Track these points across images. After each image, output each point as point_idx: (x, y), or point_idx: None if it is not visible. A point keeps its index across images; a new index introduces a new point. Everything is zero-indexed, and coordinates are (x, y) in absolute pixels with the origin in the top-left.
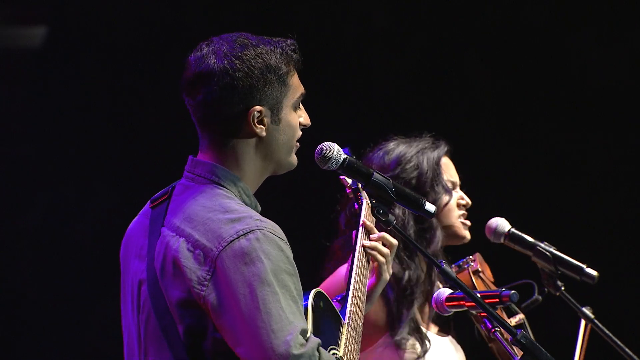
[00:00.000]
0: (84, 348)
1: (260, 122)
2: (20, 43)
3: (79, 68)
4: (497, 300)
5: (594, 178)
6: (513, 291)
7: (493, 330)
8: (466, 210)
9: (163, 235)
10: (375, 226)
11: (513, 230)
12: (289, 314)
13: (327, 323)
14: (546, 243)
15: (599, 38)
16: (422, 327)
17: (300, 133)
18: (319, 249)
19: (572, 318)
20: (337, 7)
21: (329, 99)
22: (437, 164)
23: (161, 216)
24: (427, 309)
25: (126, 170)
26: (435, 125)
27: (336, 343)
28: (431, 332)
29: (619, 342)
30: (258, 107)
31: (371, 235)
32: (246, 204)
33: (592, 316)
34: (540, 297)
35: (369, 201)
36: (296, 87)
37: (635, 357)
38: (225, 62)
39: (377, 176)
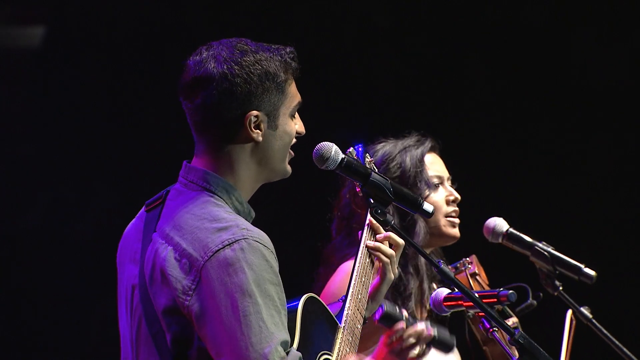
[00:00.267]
0: (84, 348)
1: (257, 127)
2: (20, 43)
3: (78, 68)
4: (495, 300)
5: (593, 178)
6: (511, 291)
7: (491, 330)
8: (457, 206)
9: (154, 241)
10: None
11: (511, 230)
12: (270, 324)
13: (319, 328)
14: (544, 243)
15: (599, 38)
16: None
17: (295, 141)
18: (316, 253)
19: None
20: (337, 7)
21: (328, 99)
22: (421, 160)
23: (154, 221)
24: (421, 310)
25: (126, 170)
26: (435, 125)
27: (329, 348)
28: None
29: (617, 342)
30: (255, 112)
31: (377, 235)
32: (238, 211)
33: (590, 316)
34: (534, 302)
35: None
36: (293, 95)
37: (633, 357)
38: (225, 67)
39: (375, 176)
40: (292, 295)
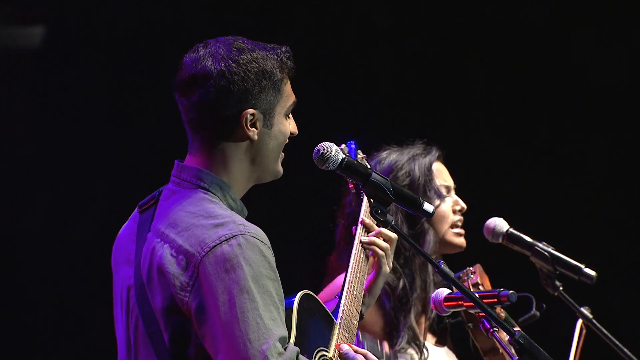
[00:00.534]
0: (84, 348)
1: (253, 125)
2: (20, 43)
3: (78, 68)
4: (496, 300)
5: (593, 178)
6: (511, 291)
7: (491, 330)
8: (462, 215)
9: (149, 241)
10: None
11: (511, 230)
12: (268, 321)
13: (315, 324)
14: (544, 243)
15: (599, 38)
16: (419, 336)
17: (287, 141)
18: (312, 252)
19: (569, 318)
20: (337, 7)
21: (328, 99)
22: (429, 169)
23: (148, 221)
24: (423, 319)
25: (126, 170)
26: (435, 125)
27: (326, 344)
28: (428, 342)
29: (617, 342)
30: (251, 110)
31: (370, 233)
32: (232, 209)
33: (590, 316)
34: (538, 313)
35: None
36: (289, 95)
37: (633, 357)
38: (222, 64)
39: (375, 176)
40: (287, 293)
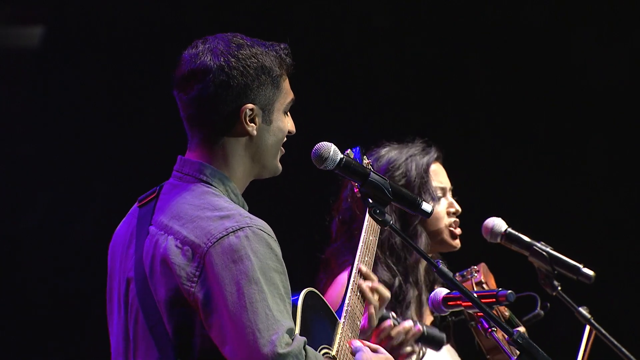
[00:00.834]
0: (84, 348)
1: (252, 120)
2: (19, 43)
3: (78, 68)
4: (494, 299)
5: (592, 178)
6: (510, 291)
7: (490, 330)
8: (457, 217)
9: (151, 234)
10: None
11: (510, 230)
12: (276, 312)
13: (319, 322)
14: (543, 243)
15: (599, 38)
16: None
17: (285, 139)
18: (312, 249)
19: (570, 318)
20: (337, 7)
21: (328, 99)
22: (426, 171)
23: (149, 215)
24: (423, 316)
25: (126, 170)
26: (435, 125)
27: (329, 342)
28: None
29: (615, 342)
30: (250, 105)
31: (366, 283)
32: (234, 202)
33: (588, 316)
34: (542, 312)
35: None
36: (287, 91)
37: (632, 357)
38: (222, 59)
39: (373, 176)
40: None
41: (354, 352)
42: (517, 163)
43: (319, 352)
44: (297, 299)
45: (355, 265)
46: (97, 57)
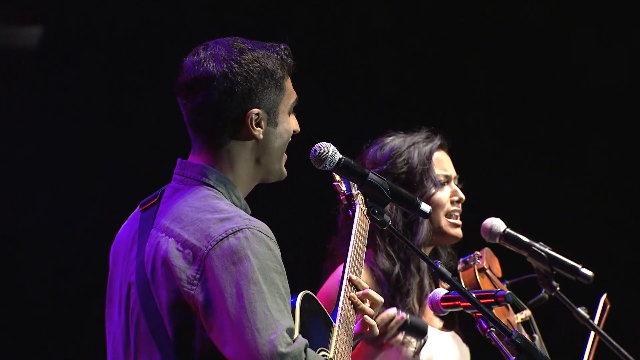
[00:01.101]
0: (84, 348)
1: (258, 124)
2: (19, 43)
3: (78, 68)
4: (492, 300)
5: (592, 178)
6: (508, 292)
7: (488, 330)
8: (461, 206)
9: (152, 236)
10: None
11: (508, 230)
12: (275, 312)
13: (315, 324)
14: (541, 243)
15: (599, 38)
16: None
17: (290, 139)
18: (313, 251)
19: (570, 319)
20: (337, 7)
21: (328, 99)
22: (428, 158)
23: (150, 219)
24: (424, 302)
25: (126, 170)
26: (435, 125)
27: (326, 345)
28: (434, 326)
29: (614, 343)
30: (256, 110)
31: (357, 292)
32: (236, 205)
33: (587, 316)
34: (546, 295)
35: (362, 207)
36: (291, 92)
37: (631, 357)
38: (225, 66)
39: (372, 176)
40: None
41: None
42: (517, 163)
43: (317, 353)
44: (295, 301)
45: (345, 273)
46: (96, 57)
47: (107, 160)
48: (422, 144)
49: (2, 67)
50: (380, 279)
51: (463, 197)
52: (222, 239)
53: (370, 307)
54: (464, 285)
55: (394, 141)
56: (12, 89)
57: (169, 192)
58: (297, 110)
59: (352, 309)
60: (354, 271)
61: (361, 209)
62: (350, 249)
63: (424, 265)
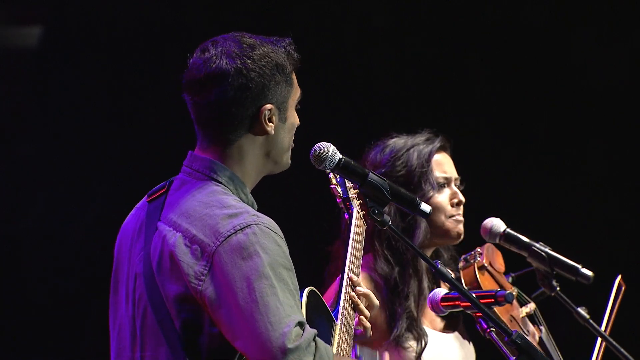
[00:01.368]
0: (84, 348)
1: (270, 120)
2: (19, 43)
3: (78, 68)
4: (493, 300)
5: (592, 178)
6: (508, 292)
7: (488, 330)
8: (461, 207)
9: (160, 229)
10: (369, 227)
11: (508, 230)
12: (287, 306)
13: (320, 321)
14: (541, 243)
15: (599, 38)
16: (421, 323)
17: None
18: (313, 250)
19: (569, 319)
20: (337, 7)
21: (328, 99)
22: (427, 160)
23: (158, 210)
24: (422, 305)
25: (126, 170)
26: (435, 125)
27: (328, 342)
28: (436, 328)
29: (614, 343)
30: (269, 105)
31: (357, 289)
32: (243, 202)
33: (587, 316)
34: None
35: (359, 210)
36: (297, 86)
37: (630, 357)
38: (238, 62)
39: (372, 176)
40: None
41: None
42: (517, 163)
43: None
44: (301, 296)
45: (345, 274)
46: (96, 57)
47: (107, 160)
48: (422, 145)
49: (2, 67)
50: (379, 284)
51: (463, 199)
52: (230, 235)
53: (367, 309)
54: (464, 284)
55: (395, 143)
56: (12, 89)
57: (177, 184)
58: (297, 109)
59: (352, 309)
60: (353, 272)
61: (358, 212)
62: (349, 252)
63: (422, 268)
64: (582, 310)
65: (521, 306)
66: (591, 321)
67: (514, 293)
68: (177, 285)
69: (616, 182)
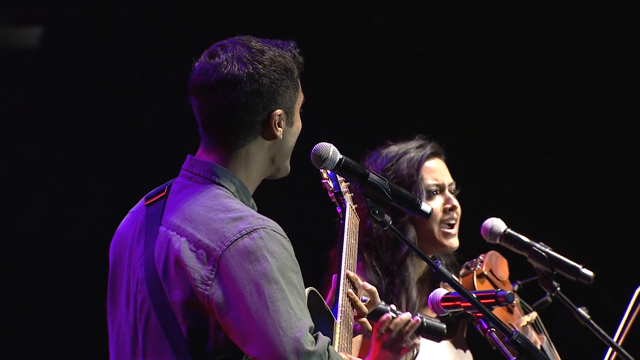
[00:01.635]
0: (84, 348)
1: (279, 124)
2: (19, 43)
3: (78, 68)
4: (493, 300)
5: (592, 178)
6: (508, 292)
7: (489, 330)
8: (457, 214)
9: (162, 234)
10: (369, 227)
11: (509, 230)
12: (297, 311)
13: (321, 321)
14: (542, 243)
15: (599, 38)
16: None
17: None
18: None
19: (570, 319)
20: (337, 7)
21: (328, 99)
22: (417, 168)
23: (158, 214)
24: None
25: (126, 170)
26: (435, 126)
27: (330, 342)
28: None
29: (614, 343)
30: (279, 111)
31: (364, 284)
32: (245, 205)
33: (588, 316)
34: (550, 299)
35: (351, 204)
36: (301, 90)
37: (631, 357)
38: (250, 67)
39: (373, 176)
40: None
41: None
42: (517, 163)
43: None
44: None
45: (342, 270)
46: (97, 57)
47: (107, 160)
48: (412, 153)
49: (2, 67)
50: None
51: (456, 204)
52: (236, 239)
53: (365, 305)
54: None
55: (387, 153)
56: (12, 89)
57: (176, 187)
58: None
59: (350, 306)
60: (350, 268)
61: (351, 206)
62: (345, 247)
63: (409, 279)
64: (582, 311)
65: (524, 315)
66: (592, 321)
67: (517, 300)
68: (183, 290)
69: (616, 182)
